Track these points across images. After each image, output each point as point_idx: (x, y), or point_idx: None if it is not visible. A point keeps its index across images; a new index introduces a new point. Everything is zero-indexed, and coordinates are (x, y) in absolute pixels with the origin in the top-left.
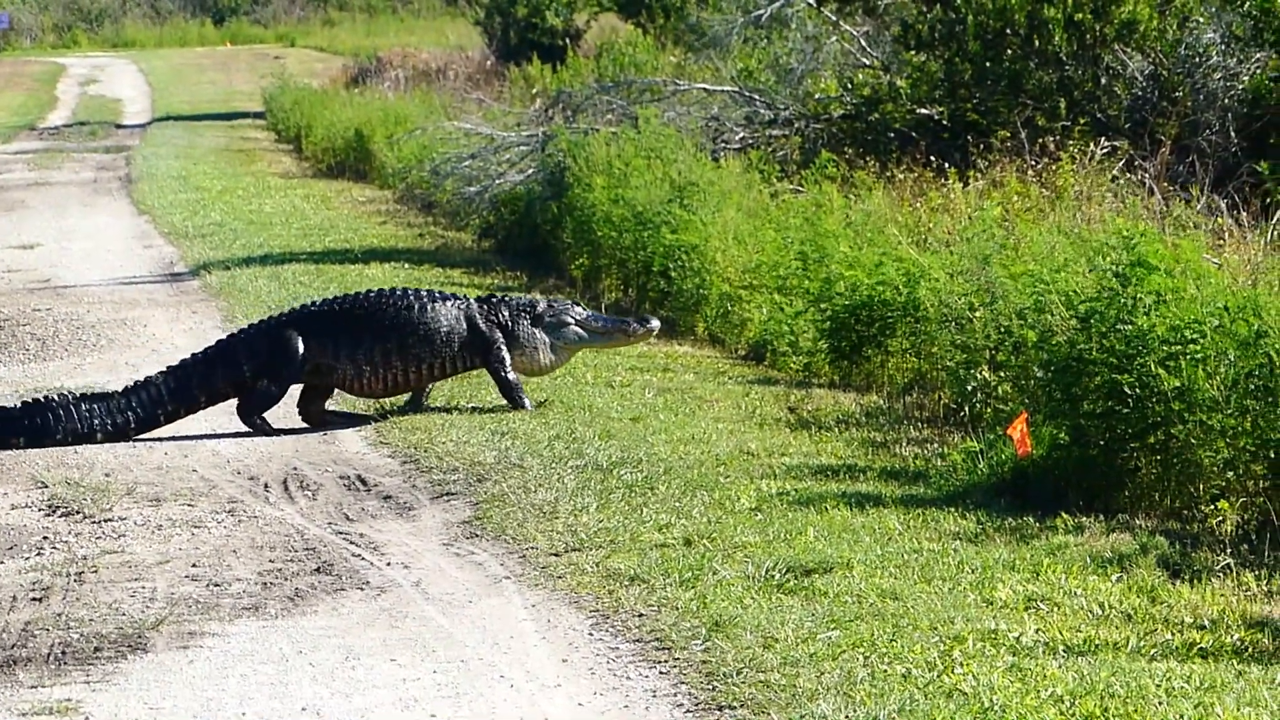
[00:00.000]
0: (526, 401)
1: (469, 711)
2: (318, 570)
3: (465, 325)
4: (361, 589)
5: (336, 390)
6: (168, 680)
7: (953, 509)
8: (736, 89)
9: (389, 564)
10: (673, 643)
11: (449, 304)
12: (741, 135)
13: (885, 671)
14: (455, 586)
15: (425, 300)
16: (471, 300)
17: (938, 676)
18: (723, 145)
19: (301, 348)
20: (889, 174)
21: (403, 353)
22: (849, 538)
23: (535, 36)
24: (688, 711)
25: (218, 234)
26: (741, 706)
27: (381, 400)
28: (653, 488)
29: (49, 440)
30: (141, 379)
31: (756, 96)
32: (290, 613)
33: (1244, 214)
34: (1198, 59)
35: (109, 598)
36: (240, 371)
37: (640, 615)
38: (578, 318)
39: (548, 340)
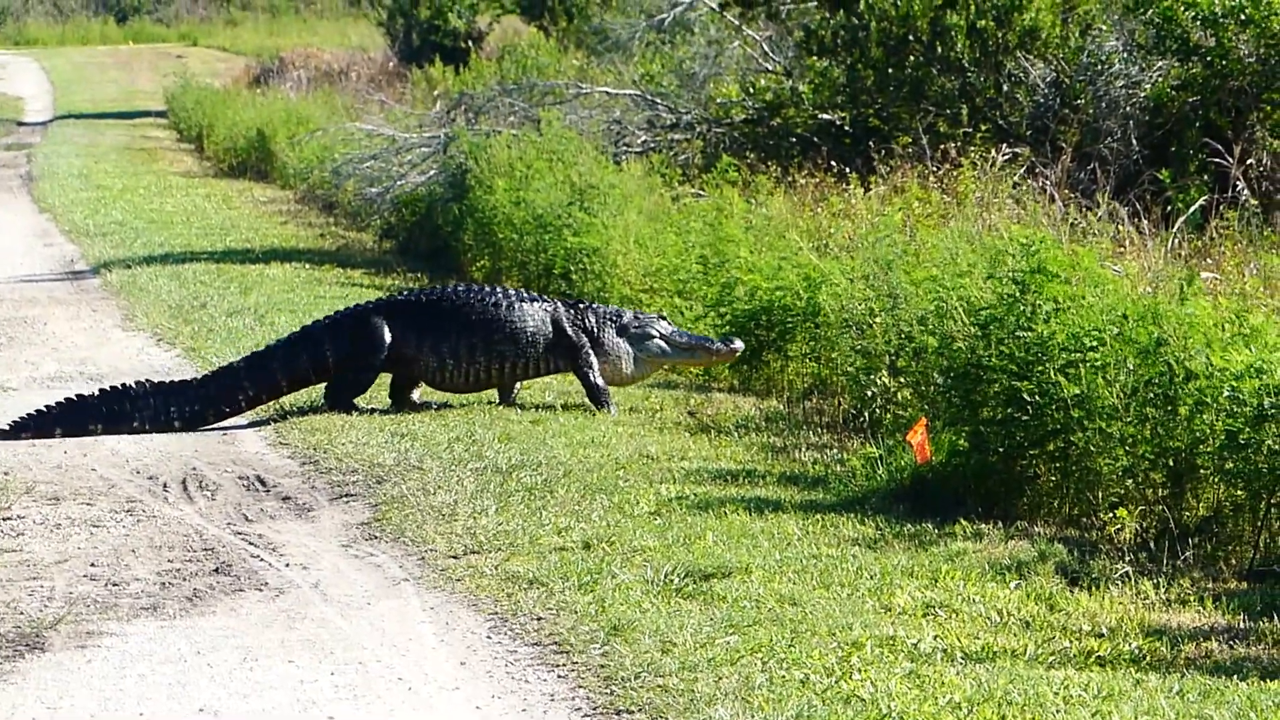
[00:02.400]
0: (613, 407)
1: (367, 714)
2: (216, 571)
3: (551, 328)
4: (260, 590)
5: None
6: (65, 680)
7: (852, 515)
8: (639, 93)
9: (288, 565)
10: (571, 646)
11: (536, 305)
12: (643, 139)
13: (783, 677)
14: (354, 588)
15: (513, 299)
16: (559, 303)
17: (836, 682)
18: (624, 149)
19: (388, 336)
20: (790, 179)
21: (487, 350)
22: (748, 543)
23: (438, 38)
24: (586, 715)
25: (119, 232)
26: (640, 711)
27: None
28: (552, 491)
29: (125, 427)
30: (221, 366)
31: (658, 100)
32: (188, 613)
33: (1145, 222)
34: (1100, 66)
35: (7, 597)
36: (324, 356)
37: (539, 618)
38: (662, 332)
39: (631, 351)
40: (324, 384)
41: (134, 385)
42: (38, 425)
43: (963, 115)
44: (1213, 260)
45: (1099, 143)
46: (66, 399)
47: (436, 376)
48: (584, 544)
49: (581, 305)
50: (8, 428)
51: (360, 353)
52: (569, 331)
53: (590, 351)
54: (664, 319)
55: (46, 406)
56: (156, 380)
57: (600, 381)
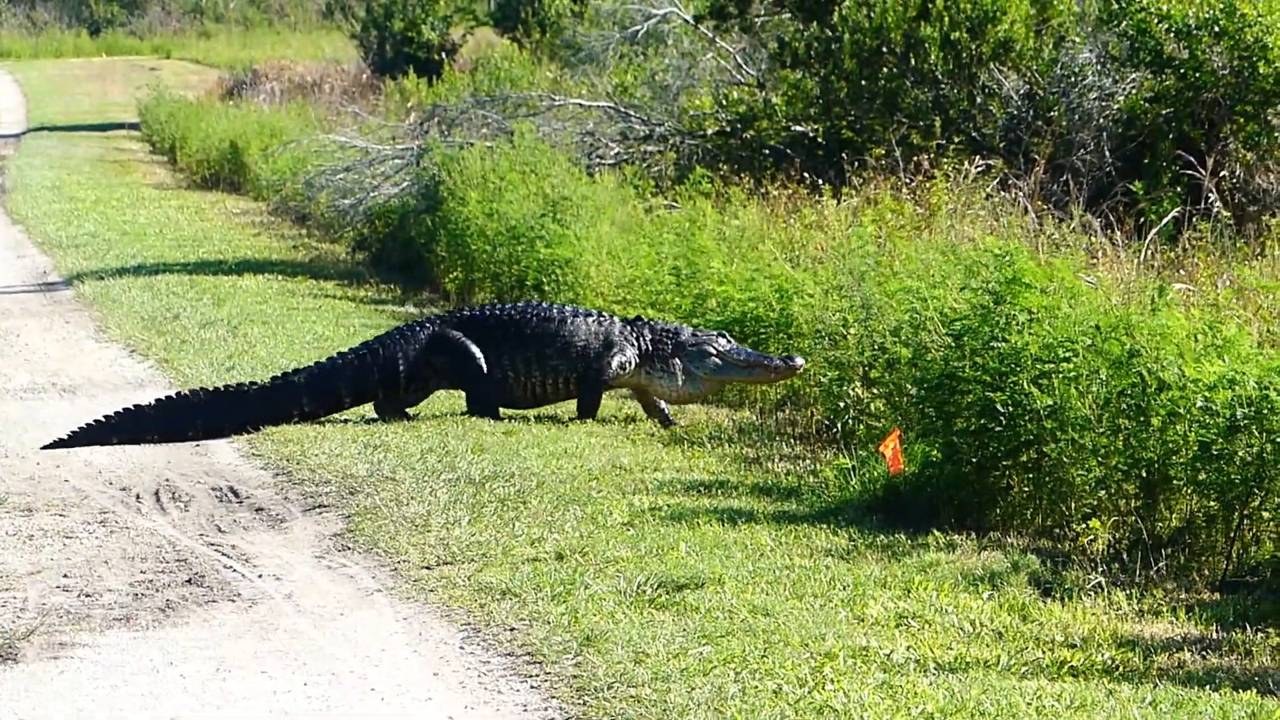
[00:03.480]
0: (672, 417)
1: None
2: (189, 582)
3: (602, 343)
4: (233, 601)
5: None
6: (38, 691)
7: (825, 526)
8: (612, 104)
9: (260, 576)
10: (544, 657)
11: (590, 320)
12: (616, 151)
13: (756, 688)
14: (327, 599)
15: (567, 315)
16: (615, 319)
17: (809, 693)
18: (598, 160)
19: (474, 346)
20: (763, 190)
21: (540, 364)
22: (721, 553)
23: (411, 50)
24: None
25: (91, 244)
26: None
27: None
28: (525, 502)
29: (179, 436)
30: (281, 376)
31: (632, 112)
32: (161, 624)
33: (1118, 233)
34: (1073, 79)
35: None
36: (396, 371)
37: (512, 629)
38: (720, 349)
39: (688, 369)
40: (367, 403)
41: (190, 392)
42: (95, 435)
43: (936, 127)
44: (1185, 272)
45: (1072, 154)
46: (124, 409)
47: (499, 390)
48: (557, 555)
49: (639, 321)
50: (66, 437)
51: (457, 364)
52: (615, 347)
53: (612, 362)
54: (723, 336)
55: (105, 416)
56: (212, 388)
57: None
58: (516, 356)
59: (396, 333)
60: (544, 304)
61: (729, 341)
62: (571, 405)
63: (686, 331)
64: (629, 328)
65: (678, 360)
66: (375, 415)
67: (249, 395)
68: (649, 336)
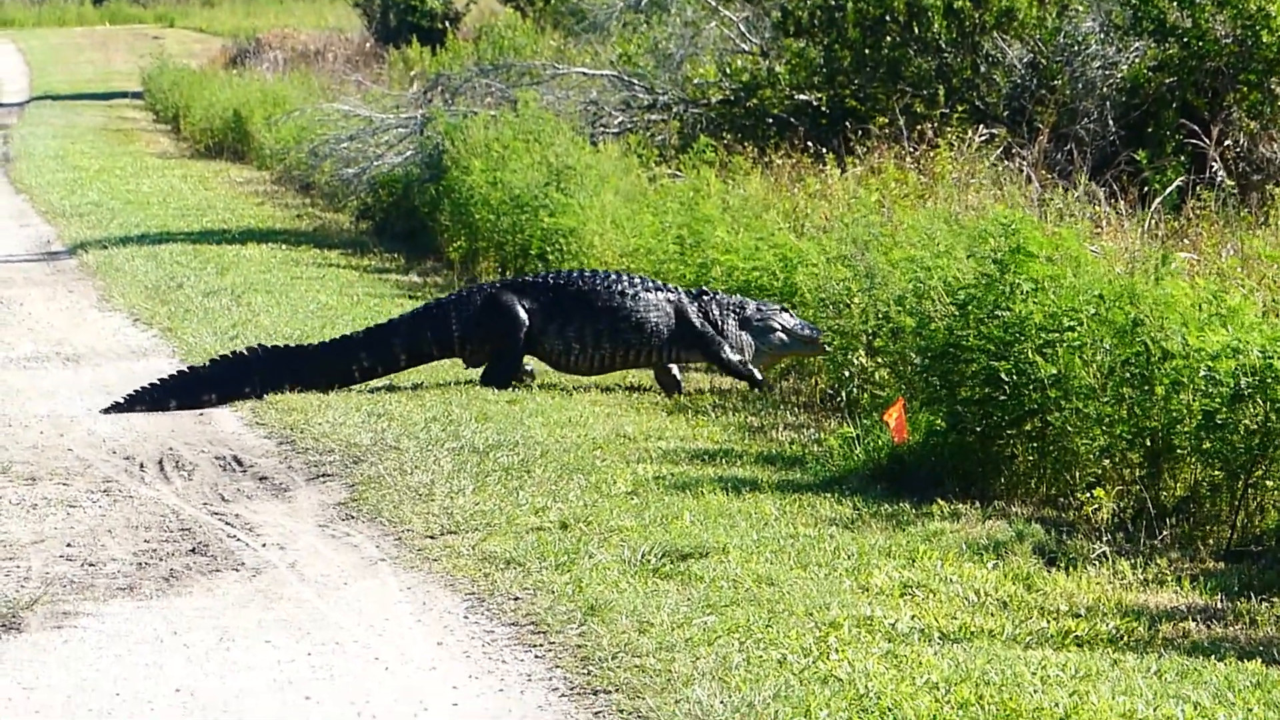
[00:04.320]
0: (758, 374)
1: (344, 694)
2: (193, 551)
3: (674, 317)
4: (236, 570)
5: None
6: (42, 660)
7: (829, 495)
8: (615, 73)
9: (264, 545)
10: (548, 626)
11: (660, 294)
12: (620, 119)
13: (761, 657)
14: (330, 568)
15: (639, 287)
16: (683, 292)
17: (813, 662)
18: (601, 129)
19: (524, 313)
20: (767, 159)
21: (612, 336)
22: (725, 522)
23: (414, 19)
24: (563, 695)
25: (95, 213)
26: (616, 691)
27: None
28: (529, 471)
29: (238, 394)
30: (340, 336)
31: (635, 81)
32: (165, 593)
33: (1121, 202)
34: (1076, 47)
35: None
36: (449, 332)
37: (516, 599)
38: (785, 324)
39: (752, 343)
40: (436, 361)
41: (247, 351)
42: (152, 398)
43: (939, 96)
44: (1189, 241)
45: (1076, 123)
46: (180, 370)
47: (562, 360)
48: (561, 524)
49: (706, 295)
50: (122, 401)
51: (501, 329)
52: (693, 321)
53: (716, 337)
54: (786, 310)
55: (161, 379)
56: (270, 345)
57: (735, 357)
58: (586, 327)
59: (457, 293)
60: (614, 274)
61: (791, 316)
62: (561, 376)
63: (752, 305)
64: (696, 300)
65: (744, 335)
66: (381, 385)
67: (307, 353)
68: (716, 310)
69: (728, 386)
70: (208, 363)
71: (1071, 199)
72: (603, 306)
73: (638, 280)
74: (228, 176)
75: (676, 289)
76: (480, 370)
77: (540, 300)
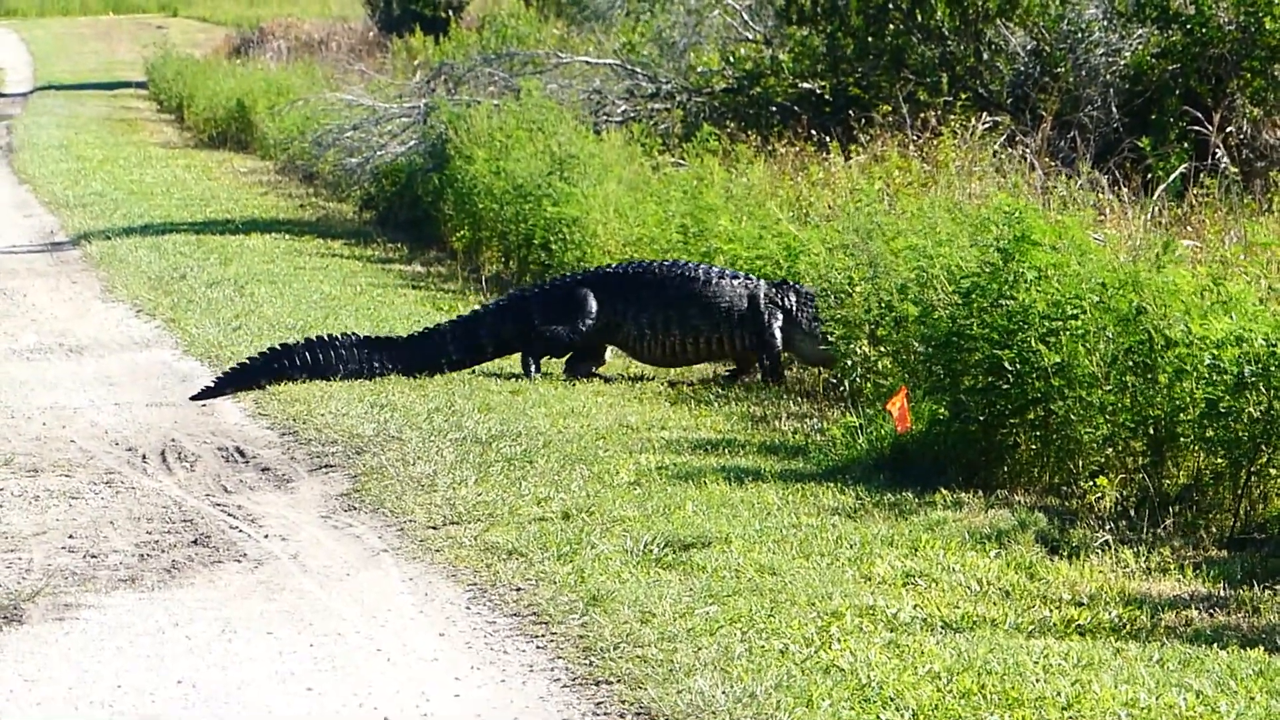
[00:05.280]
0: (781, 373)
1: (346, 685)
2: (195, 542)
3: (747, 305)
4: (239, 561)
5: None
6: (44, 652)
7: (832, 484)
8: (619, 62)
9: (266, 536)
10: (550, 617)
11: (735, 282)
12: (623, 108)
13: (763, 647)
14: (333, 559)
15: (713, 275)
16: (760, 282)
17: (815, 652)
18: (604, 118)
19: (594, 305)
20: (770, 148)
21: (682, 323)
22: (727, 512)
23: (418, 8)
24: (565, 686)
25: (98, 203)
26: (619, 681)
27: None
28: (531, 461)
29: (324, 377)
30: (428, 328)
31: (639, 70)
32: (167, 585)
33: (1125, 190)
34: (1080, 35)
35: None
36: (531, 323)
37: (518, 589)
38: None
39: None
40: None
41: (339, 336)
42: (241, 379)
43: (943, 84)
44: (1193, 228)
45: (1079, 111)
46: (271, 348)
47: (637, 346)
48: (563, 514)
49: (785, 285)
50: (213, 384)
51: (570, 316)
52: (763, 310)
53: (778, 332)
54: None
55: (250, 358)
56: (362, 334)
57: (778, 354)
58: (657, 315)
59: (539, 284)
60: (689, 263)
61: None
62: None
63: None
64: (774, 290)
65: (818, 325)
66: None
67: (397, 344)
68: (793, 299)
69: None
70: (301, 341)
71: (1075, 187)
72: (675, 294)
73: (714, 269)
74: (231, 166)
75: (756, 279)
76: (563, 361)
77: (619, 289)
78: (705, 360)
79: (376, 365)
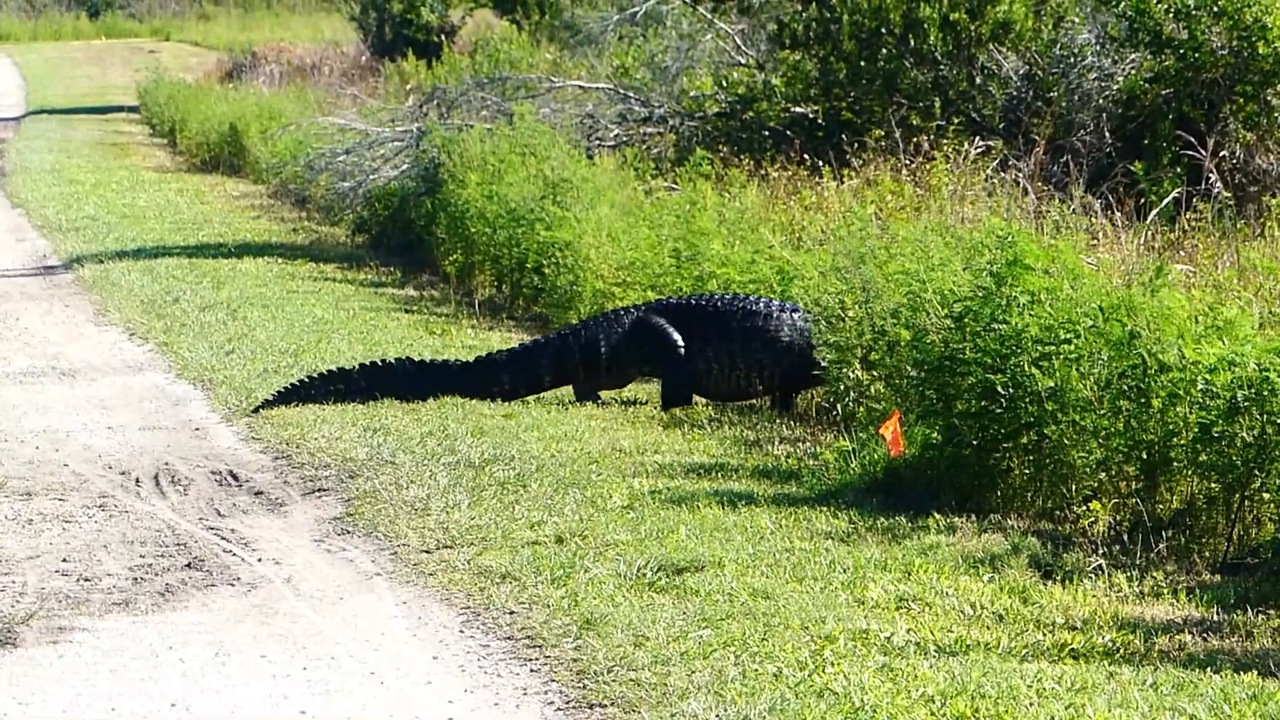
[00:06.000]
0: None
1: (339, 708)
2: (188, 566)
3: (806, 340)
4: (232, 585)
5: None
6: (37, 675)
7: (825, 508)
8: (611, 86)
9: (260, 560)
10: (544, 640)
11: (795, 315)
12: (616, 132)
13: (756, 671)
14: (326, 583)
15: (775, 309)
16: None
17: (809, 676)
18: (597, 142)
19: (676, 333)
20: (763, 172)
21: (745, 357)
22: (721, 536)
23: (410, 32)
24: (558, 709)
25: (91, 227)
26: (612, 705)
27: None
28: (525, 485)
29: (376, 399)
30: (484, 354)
31: (631, 94)
32: (161, 608)
33: (1118, 214)
34: (1073, 59)
35: None
36: (598, 354)
37: (511, 613)
38: None
39: None
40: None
41: (394, 361)
42: (298, 397)
43: (935, 108)
44: (1186, 253)
45: (1072, 135)
46: (329, 370)
47: (702, 381)
48: (557, 538)
49: None
50: (271, 398)
51: (658, 352)
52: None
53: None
54: None
55: (308, 377)
56: (418, 359)
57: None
58: (721, 348)
59: (601, 316)
60: (751, 297)
61: None
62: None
63: None
64: None
65: None
66: (572, 397)
67: (452, 370)
68: None
69: (724, 403)
70: (357, 367)
71: (1068, 211)
72: (737, 327)
73: (775, 303)
74: (224, 190)
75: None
76: (618, 391)
77: (680, 322)
78: (765, 395)
79: (429, 390)
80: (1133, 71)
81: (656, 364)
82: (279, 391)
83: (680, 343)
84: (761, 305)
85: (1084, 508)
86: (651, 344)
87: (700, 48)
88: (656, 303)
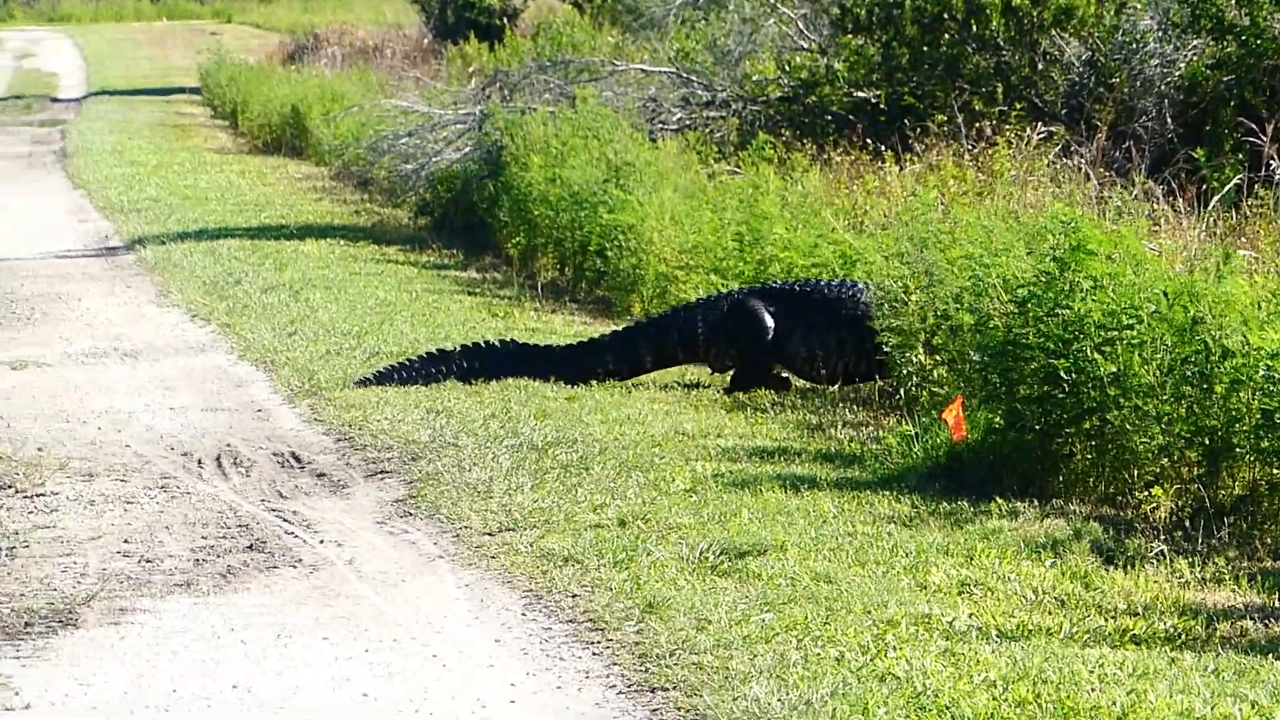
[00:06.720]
0: None
1: (401, 690)
2: (250, 547)
3: None
4: (294, 567)
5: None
6: (99, 656)
7: (887, 492)
8: (674, 70)
9: (322, 542)
10: (606, 624)
11: None
12: (679, 116)
13: (818, 655)
14: (388, 565)
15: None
16: None
17: (871, 660)
18: (660, 126)
19: (770, 320)
20: (825, 156)
21: (857, 345)
22: (783, 520)
23: (473, 15)
24: (620, 692)
25: (153, 209)
26: (674, 688)
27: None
28: (588, 468)
29: (485, 379)
30: (587, 339)
31: (694, 78)
32: (222, 590)
33: (1180, 200)
34: (1135, 45)
35: (40, 573)
36: (695, 336)
37: (574, 596)
38: None
39: None
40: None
41: (498, 343)
42: (400, 377)
43: (998, 93)
44: (1247, 239)
45: (1134, 121)
46: (429, 353)
47: (804, 366)
48: (619, 521)
49: None
50: (371, 377)
51: (747, 335)
52: None
53: None
54: None
55: (408, 359)
56: (520, 341)
57: None
58: (830, 335)
59: (704, 299)
60: (858, 284)
61: None
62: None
63: None
64: None
65: None
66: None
67: (554, 354)
68: None
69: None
70: (458, 348)
71: (1129, 197)
72: (846, 315)
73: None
74: (286, 172)
75: None
76: (724, 375)
77: (786, 307)
78: (864, 381)
79: (531, 372)
80: (1194, 58)
81: (740, 347)
82: (377, 371)
83: (769, 330)
84: (868, 293)
85: (1146, 493)
86: (740, 327)
87: (763, 32)
88: (760, 286)
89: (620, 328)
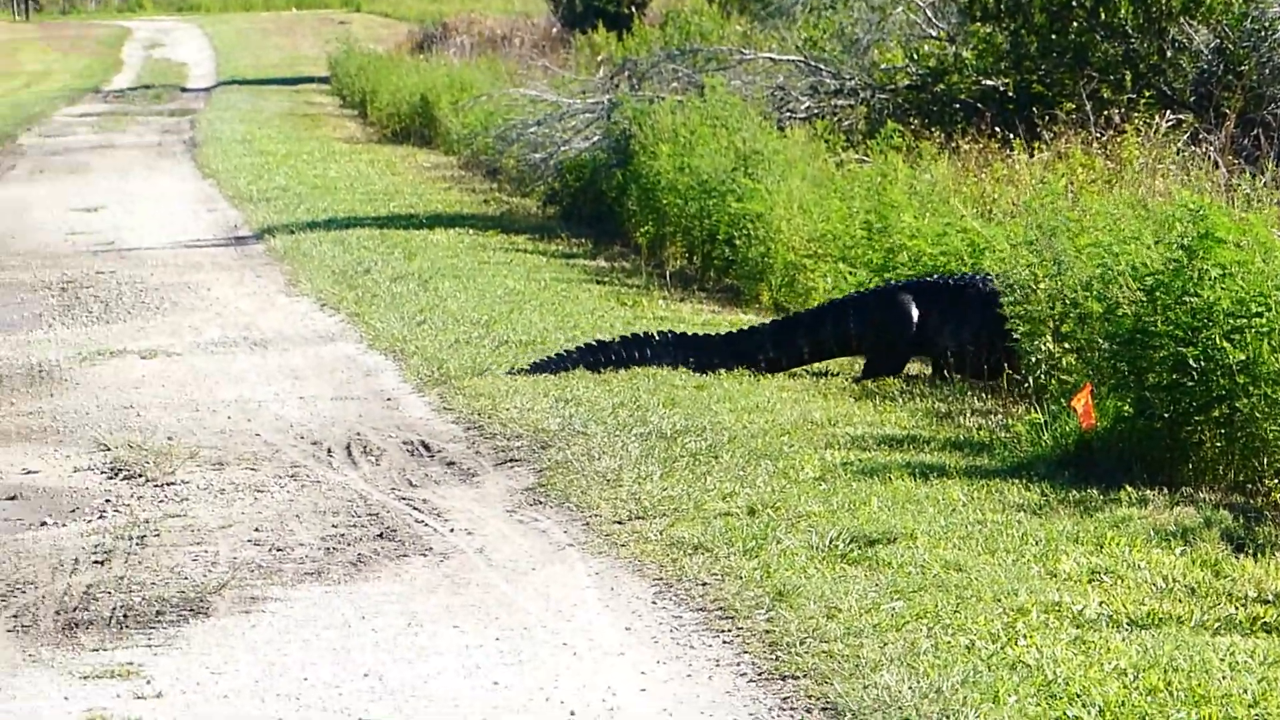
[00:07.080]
0: None
1: (532, 679)
2: (380, 536)
3: None
4: (424, 555)
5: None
6: (230, 644)
7: (1017, 480)
8: (802, 58)
9: (452, 530)
10: (736, 612)
11: None
12: (807, 105)
13: (949, 643)
14: (518, 553)
15: None
16: None
17: (1001, 648)
18: (788, 114)
19: (915, 314)
20: (954, 145)
21: (1008, 340)
22: (913, 508)
23: (601, 4)
24: (751, 681)
25: (282, 198)
26: (805, 676)
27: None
28: (717, 456)
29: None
30: (747, 328)
31: (822, 66)
32: (353, 578)
33: None
34: (1264, 33)
35: (171, 561)
36: (847, 329)
37: (704, 584)
38: None
39: None
40: (844, 357)
41: (656, 334)
42: (558, 367)
43: (1126, 81)
44: None
45: (1263, 109)
46: (588, 343)
47: (955, 362)
48: (749, 509)
49: None
50: (528, 367)
51: (890, 328)
52: None
53: None
54: None
55: (567, 350)
56: (679, 331)
57: None
58: (982, 330)
59: (860, 291)
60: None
61: None
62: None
63: None
64: None
65: None
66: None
67: (714, 342)
68: None
69: (915, 373)
70: (617, 339)
71: (1259, 185)
72: (1000, 311)
73: None
74: (414, 161)
75: None
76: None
77: (938, 302)
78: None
79: (691, 362)
80: None
81: (879, 338)
82: (535, 363)
83: (913, 325)
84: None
85: (1276, 481)
86: (884, 317)
87: (891, 20)
88: (913, 280)
89: (780, 318)
